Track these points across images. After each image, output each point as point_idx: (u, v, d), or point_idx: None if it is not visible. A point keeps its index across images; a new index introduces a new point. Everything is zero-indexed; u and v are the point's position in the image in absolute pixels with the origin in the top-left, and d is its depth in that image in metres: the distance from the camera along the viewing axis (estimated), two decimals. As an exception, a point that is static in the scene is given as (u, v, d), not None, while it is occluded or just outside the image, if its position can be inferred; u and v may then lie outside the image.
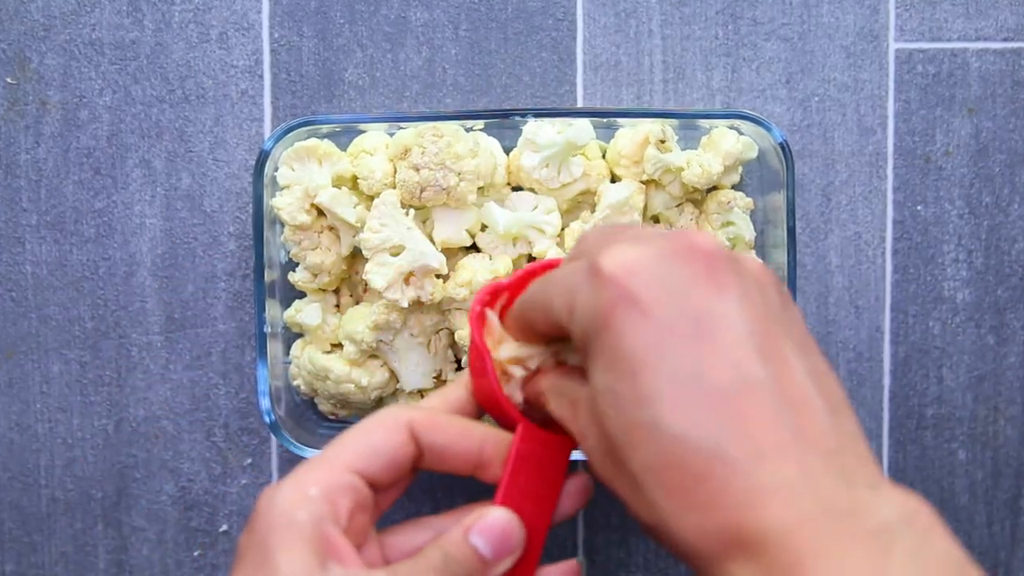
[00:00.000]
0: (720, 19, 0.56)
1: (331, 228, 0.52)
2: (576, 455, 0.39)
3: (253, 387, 0.56)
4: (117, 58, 0.55)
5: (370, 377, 0.52)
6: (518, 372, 0.36)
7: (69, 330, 0.56)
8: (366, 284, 0.50)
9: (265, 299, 0.51)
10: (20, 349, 0.56)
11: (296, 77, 0.56)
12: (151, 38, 0.55)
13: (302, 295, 0.54)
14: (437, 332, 0.53)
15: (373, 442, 0.34)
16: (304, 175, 0.51)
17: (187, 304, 0.56)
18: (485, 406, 0.38)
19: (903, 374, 0.57)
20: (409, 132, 0.50)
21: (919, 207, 0.57)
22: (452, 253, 0.52)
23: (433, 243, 0.50)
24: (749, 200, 0.53)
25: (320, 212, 0.51)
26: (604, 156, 0.53)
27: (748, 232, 0.52)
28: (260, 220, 0.50)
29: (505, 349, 0.36)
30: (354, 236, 0.51)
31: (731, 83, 0.56)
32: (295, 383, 0.54)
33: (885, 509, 0.26)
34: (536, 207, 0.52)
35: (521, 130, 0.51)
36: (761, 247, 0.53)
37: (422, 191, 0.49)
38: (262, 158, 0.50)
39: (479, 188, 0.51)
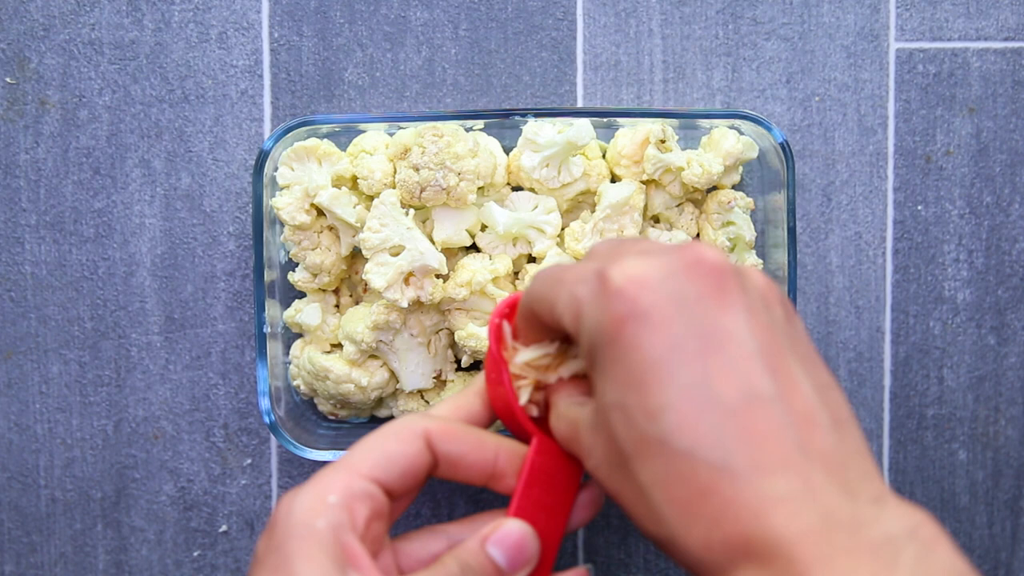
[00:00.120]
0: (720, 19, 0.56)
1: (331, 228, 0.52)
2: None
3: (253, 387, 0.56)
4: (116, 58, 0.55)
5: (370, 377, 0.52)
6: (527, 392, 0.37)
7: (68, 330, 0.56)
8: (366, 284, 0.50)
9: (265, 299, 0.51)
10: (19, 349, 0.56)
11: (296, 77, 0.56)
12: (151, 38, 0.55)
13: (302, 295, 0.54)
14: (437, 332, 0.53)
15: (390, 451, 0.35)
16: (304, 175, 0.51)
17: (186, 304, 0.56)
18: (501, 416, 0.38)
19: (904, 374, 0.57)
20: (409, 132, 0.50)
21: (920, 207, 0.57)
22: (452, 253, 0.52)
23: (433, 243, 0.50)
24: (749, 200, 0.53)
25: (320, 212, 0.51)
26: (604, 156, 0.53)
27: (748, 232, 0.52)
28: (260, 220, 0.50)
29: (519, 356, 0.37)
30: (354, 236, 0.51)
31: (731, 83, 0.56)
32: (295, 383, 0.54)
33: (889, 522, 0.26)
34: (536, 207, 0.52)
35: (521, 130, 0.51)
36: (761, 247, 0.53)
37: (422, 191, 0.49)
38: (262, 158, 0.50)
39: (479, 188, 0.51)
